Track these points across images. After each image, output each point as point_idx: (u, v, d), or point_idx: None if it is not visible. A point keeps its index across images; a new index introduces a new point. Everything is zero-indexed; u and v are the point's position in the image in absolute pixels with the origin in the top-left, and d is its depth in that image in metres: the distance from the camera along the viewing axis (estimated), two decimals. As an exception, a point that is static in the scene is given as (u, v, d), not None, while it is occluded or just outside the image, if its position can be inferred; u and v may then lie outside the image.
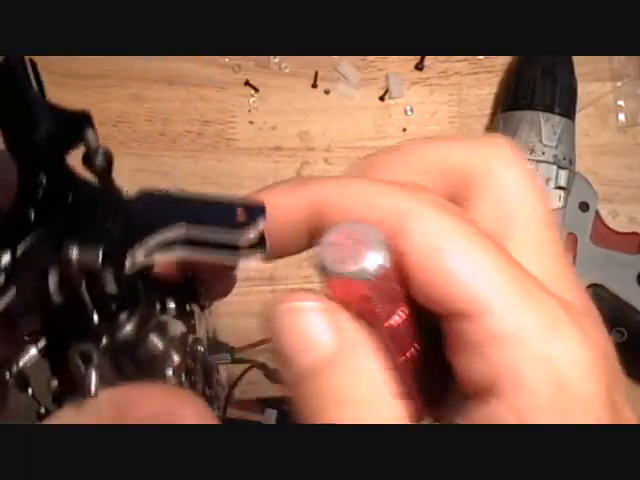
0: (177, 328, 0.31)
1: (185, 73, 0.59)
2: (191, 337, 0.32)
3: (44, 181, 0.26)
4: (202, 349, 0.31)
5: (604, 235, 0.53)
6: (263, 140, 0.58)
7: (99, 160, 0.27)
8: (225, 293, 0.34)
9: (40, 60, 0.62)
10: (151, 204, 0.27)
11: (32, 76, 0.28)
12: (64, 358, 0.28)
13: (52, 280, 0.27)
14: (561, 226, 0.52)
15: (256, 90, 0.59)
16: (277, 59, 0.59)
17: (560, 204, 0.52)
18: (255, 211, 0.26)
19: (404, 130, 0.59)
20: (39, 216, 0.26)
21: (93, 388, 0.26)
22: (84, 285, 0.26)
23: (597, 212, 0.54)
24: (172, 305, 0.31)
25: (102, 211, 0.26)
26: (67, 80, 0.58)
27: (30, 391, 0.30)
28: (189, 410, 0.25)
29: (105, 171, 0.27)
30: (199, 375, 0.32)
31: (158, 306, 0.30)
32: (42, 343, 0.29)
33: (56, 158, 0.27)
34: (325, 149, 0.58)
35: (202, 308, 0.33)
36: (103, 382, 0.27)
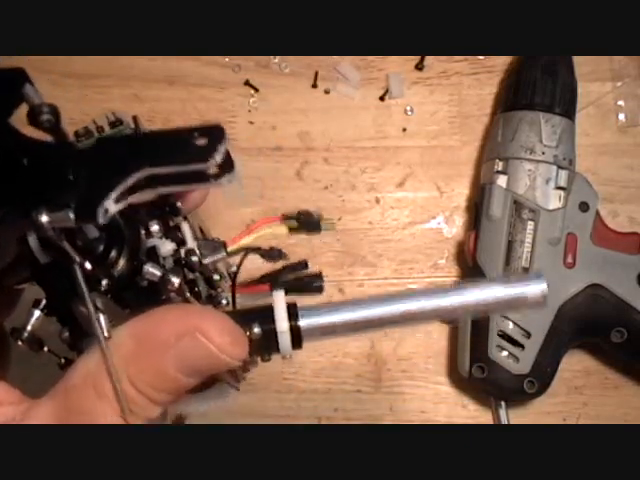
0: (167, 247, 0.31)
1: (185, 73, 0.59)
2: (183, 250, 0.32)
3: None
4: (196, 258, 0.31)
5: (604, 235, 0.53)
6: (263, 140, 0.58)
7: (45, 116, 0.26)
8: (201, 201, 0.34)
9: (40, 60, 0.62)
10: (109, 149, 0.26)
11: None
12: (68, 309, 0.28)
13: (32, 242, 0.27)
14: (561, 226, 0.52)
15: (256, 90, 0.59)
16: (277, 59, 0.59)
17: (560, 204, 0.52)
18: (215, 134, 0.25)
19: (404, 130, 0.59)
20: None
21: (105, 331, 0.26)
22: (65, 240, 0.26)
23: (597, 212, 0.54)
24: (156, 227, 0.31)
25: (61, 166, 0.25)
26: (67, 80, 0.58)
27: (46, 348, 0.30)
28: (212, 326, 0.26)
29: (54, 126, 0.26)
30: (201, 283, 0.33)
31: (143, 232, 0.30)
32: (43, 303, 0.29)
33: None
34: (325, 149, 0.58)
35: (184, 218, 0.33)
36: (115, 321, 0.27)
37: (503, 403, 0.54)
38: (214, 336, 0.26)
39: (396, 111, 0.59)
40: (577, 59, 0.56)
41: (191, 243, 0.32)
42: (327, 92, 0.59)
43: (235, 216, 0.57)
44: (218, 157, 0.25)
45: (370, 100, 0.59)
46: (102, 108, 0.58)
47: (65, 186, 0.25)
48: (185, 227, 0.33)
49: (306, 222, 0.45)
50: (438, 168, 0.58)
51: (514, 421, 0.54)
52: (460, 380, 0.54)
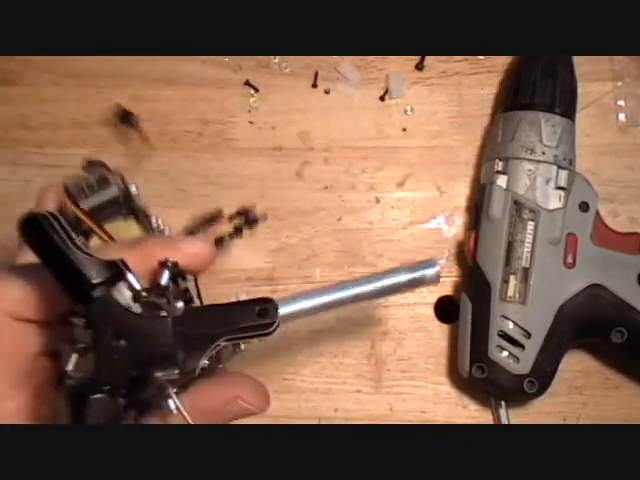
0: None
1: (185, 73, 0.59)
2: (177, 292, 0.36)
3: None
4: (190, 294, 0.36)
5: (604, 235, 0.53)
6: (263, 140, 0.58)
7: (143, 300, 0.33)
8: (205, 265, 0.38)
9: (40, 60, 0.62)
10: (196, 320, 0.34)
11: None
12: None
13: None
14: (561, 226, 0.52)
15: (256, 90, 0.59)
16: (277, 59, 0.59)
17: (560, 204, 0.52)
18: (269, 307, 0.35)
19: (404, 130, 0.59)
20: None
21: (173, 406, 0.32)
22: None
23: (597, 212, 0.53)
24: (181, 304, 0.35)
25: (164, 338, 0.32)
26: (67, 80, 0.58)
27: None
28: (248, 393, 0.36)
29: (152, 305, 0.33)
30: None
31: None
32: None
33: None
34: (325, 149, 0.58)
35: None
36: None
37: (503, 403, 0.54)
38: (251, 400, 0.36)
39: (396, 111, 0.59)
40: (577, 59, 0.56)
41: (197, 301, 0.37)
42: (327, 92, 0.59)
43: (235, 216, 0.57)
44: (275, 326, 0.35)
45: (370, 100, 0.59)
46: (102, 108, 0.58)
47: (168, 353, 0.32)
48: (192, 286, 0.38)
49: (246, 217, 0.53)
50: (438, 168, 0.58)
51: (514, 421, 0.54)
52: (460, 380, 0.54)
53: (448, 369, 0.56)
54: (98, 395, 0.30)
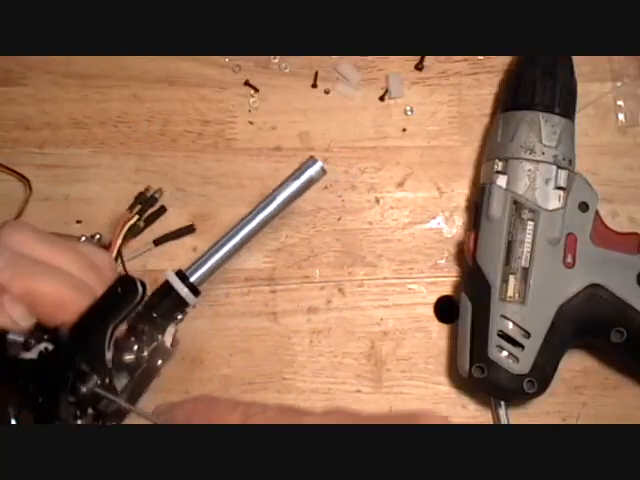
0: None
1: (185, 73, 0.59)
2: (125, 315, 0.42)
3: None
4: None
5: (604, 235, 0.53)
6: (263, 140, 0.58)
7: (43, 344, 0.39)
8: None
9: (40, 60, 0.62)
10: (82, 331, 0.39)
11: None
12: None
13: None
14: (561, 226, 0.52)
15: (256, 90, 0.59)
16: (277, 59, 0.59)
17: (560, 204, 0.52)
18: (129, 285, 0.41)
19: (404, 130, 0.59)
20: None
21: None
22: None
23: (597, 212, 0.54)
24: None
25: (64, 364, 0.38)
26: (67, 80, 0.58)
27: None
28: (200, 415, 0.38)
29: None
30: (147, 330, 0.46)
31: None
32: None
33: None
34: (325, 149, 0.58)
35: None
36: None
37: (503, 403, 0.54)
38: None
39: (396, 111, 0.59)
40: (577, 59, 0.56)
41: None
42: (327, 92, 0.59)
43: (235, 216, 0.57)
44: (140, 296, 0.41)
45: (370, 100, 0.59)
46: (102, 108, 0.58)
47: (78, 369, 0.37)
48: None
49: (144, 202, 0.56)
50: (438, 168, 0.58)
51: (514, 421, 0.54)
52: (460, 380, 0.54)
53: (448, 369, 0.56)
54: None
